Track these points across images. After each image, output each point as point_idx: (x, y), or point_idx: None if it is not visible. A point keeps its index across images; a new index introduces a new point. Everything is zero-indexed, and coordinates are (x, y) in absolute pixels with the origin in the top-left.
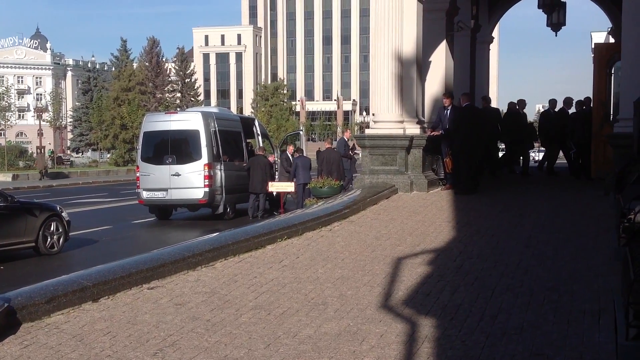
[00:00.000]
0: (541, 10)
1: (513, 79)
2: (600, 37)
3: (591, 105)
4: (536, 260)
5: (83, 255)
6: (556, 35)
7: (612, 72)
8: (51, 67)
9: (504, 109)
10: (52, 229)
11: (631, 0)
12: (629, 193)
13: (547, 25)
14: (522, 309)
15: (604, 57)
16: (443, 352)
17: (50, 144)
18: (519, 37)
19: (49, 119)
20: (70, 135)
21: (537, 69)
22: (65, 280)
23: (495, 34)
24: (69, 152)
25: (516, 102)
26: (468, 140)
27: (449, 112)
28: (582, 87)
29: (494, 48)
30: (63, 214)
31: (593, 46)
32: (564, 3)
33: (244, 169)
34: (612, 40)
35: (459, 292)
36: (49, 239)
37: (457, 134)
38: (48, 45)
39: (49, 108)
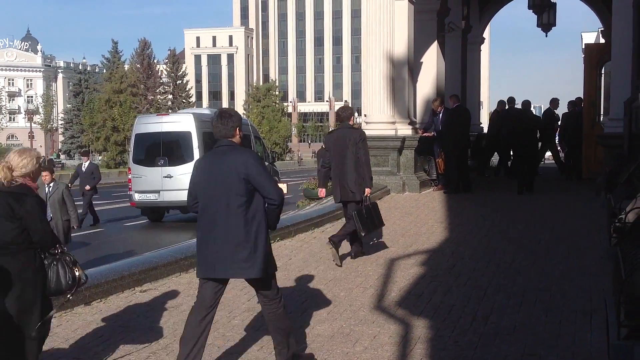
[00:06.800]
0: (531, 10)
1: (504, 79)
2: (590, 38)
3: (582, 105)
4: (528, 260)
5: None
6: (546, 36)
7: (603, 72)
8: (42, 69)
9: (492, 109)
10: None
11: (621, 0)
12: (620, 193)
13: (538, 26)
14: (514, 310)
15: (594, 57)
16: (436, 352)
17: (41, 146)
18: (510, 37)
19: (40, 121)
20: (61, 138)
21: (528, 69)
22: None
23: (486, 34)
24: (60, 154)
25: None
26: (459, 141)
27: (441, 114)
28: (573, 88)
29: (485, 49)
30: None
31: (583, 47)
32: (554, 4)
33: None
34: (602, 40)
35: (452, 292)
36: None
37: (448, 135)
38: (39, 47)
39: (40, 110)
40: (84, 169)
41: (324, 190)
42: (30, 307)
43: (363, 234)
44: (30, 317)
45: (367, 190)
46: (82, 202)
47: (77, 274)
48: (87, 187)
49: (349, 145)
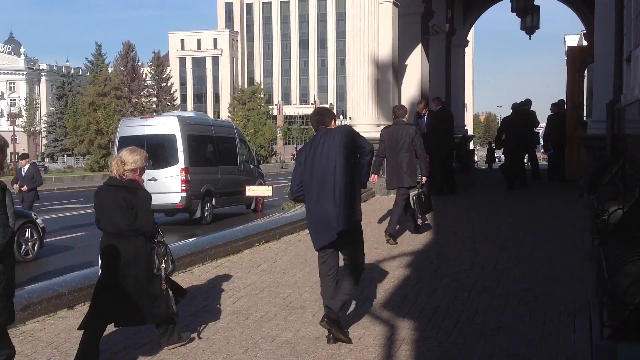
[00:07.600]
0: (515, 13)
1: (488, 81)
2: (573, 40)
3: (565, 107)
4: (512, 262)
5: (58, 262)
6: (530, 39)
7: (585, 74)
8: (25, 72)
9: (481, 112)
10: (26, 235)
11: (603, 3)
12: (603, 194)
13: (521, 29)
14: (498, 311)
15: (577, 60)
16: (421, 354)
17: (24, 149)
18: (494, 40)
19: (23, 124)
20: (44, 141)
21: (512, 71)
22: (40, 288)
23: (470, 37)
24: (44, 157)
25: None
26: (444, 143)
27: (426, 116)
28: (557, 90)
29: (469, 51)
30: (37, 221)
31: (566, 49)
32: (538, 6)
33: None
34: (585, 43)
35: (436, 294)
36: (23, 246)
37: (433, 137)
38: (22, 50)
39: (23, 113)
40: (23, 173)
41: (376, 176)
42: (147, 286)
43: (420, 216)
44: (149, 297)
45: (424, 178)
46: (21, 207)
47: (163, 264)
48: (24, 187)
49: (405, 139)
